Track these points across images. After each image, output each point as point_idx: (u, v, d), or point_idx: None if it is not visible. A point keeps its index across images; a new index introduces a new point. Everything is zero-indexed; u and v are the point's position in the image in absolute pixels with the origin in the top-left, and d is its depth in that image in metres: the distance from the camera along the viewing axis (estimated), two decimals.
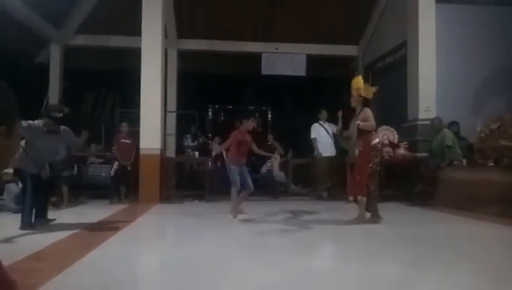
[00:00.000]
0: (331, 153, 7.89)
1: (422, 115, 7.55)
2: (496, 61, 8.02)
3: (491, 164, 5.77)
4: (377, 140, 4.86)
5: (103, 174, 9.41)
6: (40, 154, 4.59)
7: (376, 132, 5.05)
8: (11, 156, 0.83)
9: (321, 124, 7.89)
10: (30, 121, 4.54)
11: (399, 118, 7.97)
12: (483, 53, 7.93)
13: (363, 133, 4.85)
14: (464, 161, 6.60)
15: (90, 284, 2.61)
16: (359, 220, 4.82)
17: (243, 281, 2.67)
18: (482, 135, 6.14)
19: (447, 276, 2.82)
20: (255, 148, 5.70)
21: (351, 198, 5.25)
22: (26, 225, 4.40)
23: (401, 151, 7.48)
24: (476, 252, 3.65)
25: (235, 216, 5.29)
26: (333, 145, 7.88)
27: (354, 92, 4.98)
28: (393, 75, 8.49)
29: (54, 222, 4.84)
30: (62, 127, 4.79)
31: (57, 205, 6.43)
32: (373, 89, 4.95)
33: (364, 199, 4.81)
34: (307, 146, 8.66)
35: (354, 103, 4.99)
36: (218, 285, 2.61)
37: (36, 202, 4.56)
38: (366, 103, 4.94)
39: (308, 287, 2.56)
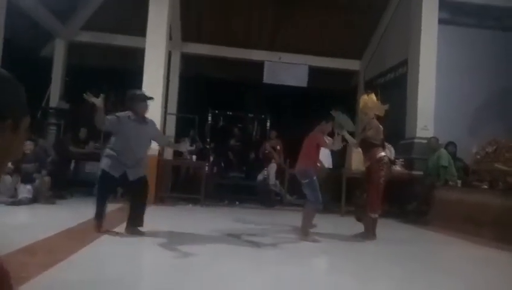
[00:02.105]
0: (328, 165, 7.92)
1: (419, 133, 7.61)
2: (494, 85, 8.12)
3: (486, 187, 5.82)
4: (383, 153, 4.87)
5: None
6: (130, 150, 4.18)
7: (383, 147, 5.06)
8: (16, 150, 0.84)
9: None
10: (118, 114, 4.20)
11: (396, 135, 8.02)
12: (483, 76, 8.02)
13: (369, 148, 4.87)
14: (459, 181, 6.64)
15: (81, 280, 2.61)
16: (368, 236, 4.81)
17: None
18: (478, 157, 6.19)
19: None
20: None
21: (374, 215, 5.07)
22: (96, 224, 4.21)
23: (397, 168, 7.53)
24: (461, 273, 3.67)
25: (310, 238, 4.61)
26: (330, 157, 7.91)
27: (367, 110, 4.97)
28: (393, 91, 8.56)
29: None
30: (148, 118, 4.43)
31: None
32: (385, 107, 4.96)
33: (376, 215, 4.81)
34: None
35: (366, 120, 4.99)
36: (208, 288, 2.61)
37: (133, 208, 4.28)
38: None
39: None
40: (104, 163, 4.19)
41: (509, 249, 4.64)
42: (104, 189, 4.31)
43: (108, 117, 4.15)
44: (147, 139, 4.43)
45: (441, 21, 7.82)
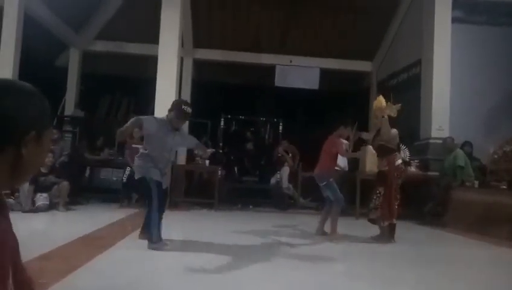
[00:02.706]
0: (344, 167, 7.85)
1: (434, 133, 7.50)
2: (508, 82, 7.95)
3: (504, 187, 5.69)
4: (400, 161, 4.85)
5: (114, 179, 9.55)
6: (163, 157, 4.04)
7: (399, 152, 5.05)
8: (41, 162, 0.87)
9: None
10: (153, 116, 4.13)
11: (411, 136, 7.92)
12: (497, 74, 7.87)
13: (386, 153, 4.82)
14: (476, 182, 6.51)
15: (98, 286, 2.65)
16: (385, 239, 4.79)
17: None
18: (496, 156, 6.07)
19: None
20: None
21: (372, 216, 5.08)
22: (156, 242, 3.83)
23: (412, 169, 7.42)
24: (475, 274, 3.59)
25: (335, 238, 4.79)
26: (346, 161, 7.85)
27: (377, 112, 4.94)
28: (406, 92, 8.46)
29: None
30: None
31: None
32: (397, 107, 4.90)
33: (395, 221, 4.77)
34: (317, 159, 8.64)
35: (378, 123, 4.95)
36: None
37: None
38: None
39: None
40: (152, 172, 3.88)
41: None
42: (161, 199, 3.97)
43: (146, 118, 4.05)
44: (177, 146, 4.38)
45: (454, 20, 7.71)
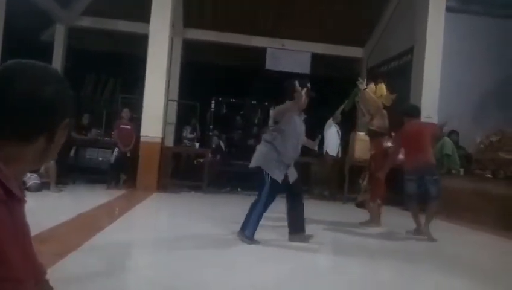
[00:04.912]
0: (333, 153, 7.92)
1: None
2: (500, 74, 8.08)
3: (489, 175, 5.86)
4: (389, 143, 4.93)
5: (100, 159, 9.40)
6: (295, 148, 3.68)
7: (390, 136, 5.12)
8: (59, 148, 0.85)
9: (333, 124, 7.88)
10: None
11: (400, 124, 7.99)
12: (489, 66, 7.98)
13: (375, 137, 4.91)
14: (462, 170, 6.67)
15: (94, 269, 2.63)
16: (374, 223, 4.91)
17: (235, 276, 2.69)
18: (482, 146, 6.21)
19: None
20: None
21: (359, 199, 5.26)
22: (249, 238, 3.56)
23: (401, 156, 7.52)
24: (460, 259, 3.73)
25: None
26: (339, 147, 7.92)
27: (375, 99, 4.99)
28: (396, 80, 8.50)
29: None
30: None
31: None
32: (393, 96, 4.99)
33: (380, 202, 4.90)
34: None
35: (374, 110, 5.01)
36: (212, 277, 2.62)
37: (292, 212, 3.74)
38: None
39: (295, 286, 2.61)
40: (275, 172, 3.54)
41: (508, 235, 4.73)
42: (272, 200, 3.66)
43: (278, 108, 3.65)
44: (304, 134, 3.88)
45: (448, 9, 7.72)
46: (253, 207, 3.61)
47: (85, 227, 3.89)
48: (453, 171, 6.73)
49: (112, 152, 7.48)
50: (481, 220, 5.42)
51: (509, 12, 8.12)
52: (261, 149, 3.68)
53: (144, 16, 7.63)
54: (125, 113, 7.71)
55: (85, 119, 8.43)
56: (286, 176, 3.61)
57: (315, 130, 8.07)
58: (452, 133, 7.35)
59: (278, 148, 3.56)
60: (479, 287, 2.92)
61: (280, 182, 3.55)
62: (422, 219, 4.50)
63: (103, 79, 11.83)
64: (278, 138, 3.59)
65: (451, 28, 7.76)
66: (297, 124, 3.69)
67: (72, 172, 7.93)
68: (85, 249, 3.01)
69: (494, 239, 4.85)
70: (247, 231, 3.56)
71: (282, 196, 3.81)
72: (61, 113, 0.76)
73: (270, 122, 3.72)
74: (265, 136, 3.73)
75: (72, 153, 8.72)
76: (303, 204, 3.78)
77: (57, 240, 3.28)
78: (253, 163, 3.66)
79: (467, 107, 7.93)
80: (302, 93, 3.41)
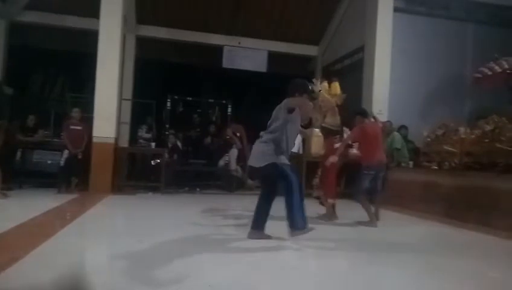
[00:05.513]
0: (297, 151, 8.02)
1: None
2: (444, 72, 8.58)
3: (435, 167, 6.22)
4: (338, 144, 5.10)
5: (49, 162, 8.90)
6: (291, 146, 3.84)
7: (342, 133, 5.31)
8: None
9: None
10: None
11: (350, 122, 8.30)
12: (434, 64, 8.45)
13: (328, 134, 5.07)
14: (411, 163, 7.04)
15: (42, 277, 2.48)
16: (330, 218, 5.07)
17: (193, 277, 2.64)
18: (428, 139, 6.57)
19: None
20: None
21: (315, 194, 5.47)
22: (302, 228, 3.55)
23: (354, 151, 7.80)
24: (410, 246, 3.95)
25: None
26: (301, 144, 8.04)
27: (329, 98, 5.16)
28: (349, 77, 8.81)
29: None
30: None
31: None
32: (344, 96, 5.22)
33: (332, 200, 5.07)
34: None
35: (326, 108, 5.17)
36: (168, 279, 2.57)
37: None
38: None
39: (257, 281, 2.63)
40: (284, 159, 3.66)
41: (455, 223, 5.07)
42: (298, 181, 3.67)
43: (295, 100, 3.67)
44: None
45: (396, 9, 8.09)
46: (289, 202, 3.56)
47: (33, 233, 3.67)
48: (403, 164, 7.09)
49: (62, 154, 7.13)
50: (430, 209, 5.76)
51: (450, 13, 8.64)
52: (262, 149, 3.70)
53: (94, 11, 7.32)
54: (75, 113, 7.37)
55: (30, 121, 7.95)
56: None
57: None
58: (401, 128, 7.73)
59: (281, 145, 3.67)
60: (419, 271, 3.09)
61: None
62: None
63: (51, 78, 11.21)
64: (281, 135, 3.67)
65: (400, 27, 8.15)
66: (297, 120, 3.80)
67: (18, 176, 7.45)
68: (33, 256, 2.84)
69: (439, 227, 5.17)
70: (299, 223, 3.53)
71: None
72: None
73: (279, 119, 3.68)
74: (268, 136, 3.74)
75: (18, 156, 8.20)
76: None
77: (1, 248, 3.07)
78: (260, 162, 3.68)
79: (415, 102, 8.35)
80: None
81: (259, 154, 3.71)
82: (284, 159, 3.68)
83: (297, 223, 3.54)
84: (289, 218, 3.57)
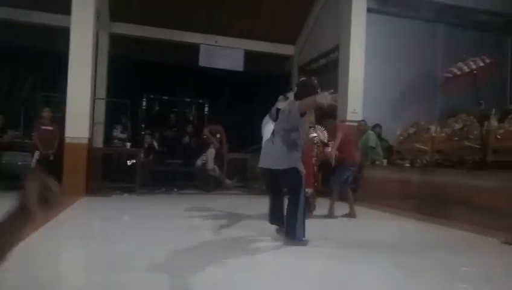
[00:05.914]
0: None
1: (350, 116, 8.06)
2: (416, 72, 8.80)
3: (407, 165, 6.39)
4: (314, 134, 5.17)
5: (19, 163, 8.61)
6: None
7: (314, 128, 5.39)
8: None
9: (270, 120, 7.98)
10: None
11: (328, 118, 8.39)
12: (406, 63, 8.65)
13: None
14: (385, 161, 7.20)
15: (11, 284, 2.40)
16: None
17: (168, 279, 2.63)
18: (401, 138, 6.74)
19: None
20: None
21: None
22: (300, 239, 3.58)
23: (329, 149, 7.91)
24: (378, 241, 4.05)
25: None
26: None
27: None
28: (325, 76, 8.91)
29: None
30: None
31: None
32: (335, 95, 5.29)
33: (311, 190, 5.21)
34: (242, 140, 8.79)
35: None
36: (144, 283, 2.54)
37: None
38: None
39: (234, 281, 2.63)
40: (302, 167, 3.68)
41: (428, 219, 5.22)
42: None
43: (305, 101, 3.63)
44: None
45: (369, 9, 8.24)
46: (293, 210, 3.58)
47: None
48: (377, 162, 7.24)
49: (32, 155, 6.90)
50: (404, 206, 5.92)
51: (421, 15, 8.87)
52: (282, 149, 3.63)
53: (65, 7, 7.10)
54: (46, 112, 7.17)
55: None
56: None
57: (251, 126, 8.17)
58: (376, 127, 7.90)
59: (298, 143, 3.67)
60: (395, 265, 3.18)
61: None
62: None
63: (20, 76, 10.82)
64: (298, 134, 3.66)
65: (373, 27, 8.30)
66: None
67: None
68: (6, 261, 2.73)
69: (412, 223, 5.31)
70: (299, 234, 3.56)
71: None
72: None
73: (294, 118, 3.64)
74: (285, 136, 3.67)
75: None
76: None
77: None
78: (282, 165, 3.62)
79: (388, 102, 8.53)
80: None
81: (283, 155, 3.62)
82: (302, 165, 3.70)
83: (297, 233, 3.58)
84: (290, 226, 3.61)
